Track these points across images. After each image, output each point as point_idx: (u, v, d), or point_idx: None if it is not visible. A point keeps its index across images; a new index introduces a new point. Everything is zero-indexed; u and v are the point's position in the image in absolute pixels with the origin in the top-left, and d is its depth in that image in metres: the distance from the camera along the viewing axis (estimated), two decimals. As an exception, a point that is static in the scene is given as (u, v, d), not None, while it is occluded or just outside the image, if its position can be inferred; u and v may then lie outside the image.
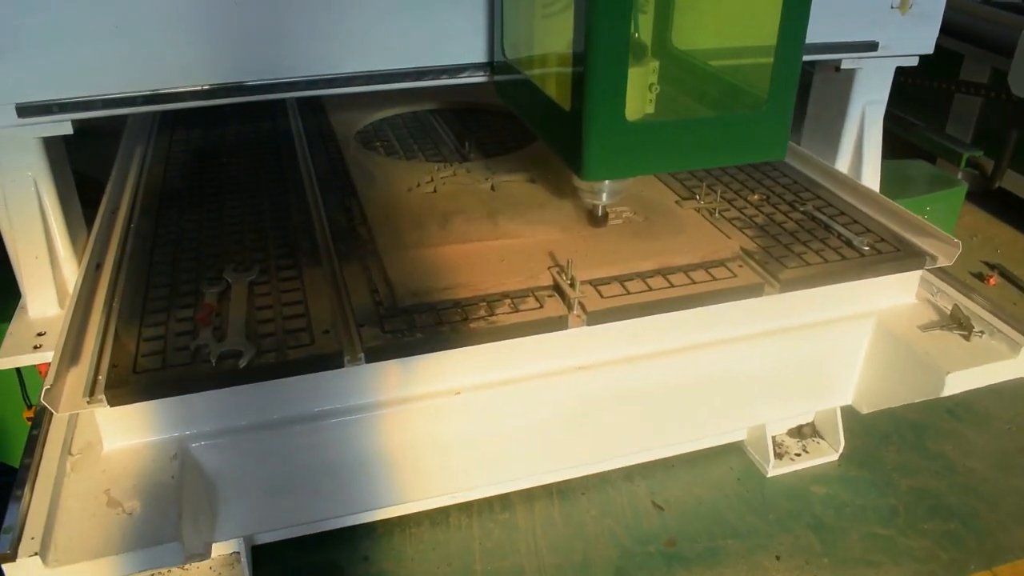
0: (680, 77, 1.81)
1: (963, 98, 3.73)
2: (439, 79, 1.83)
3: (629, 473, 2.02)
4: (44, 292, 1.79)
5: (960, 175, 3.55)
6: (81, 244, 1.86)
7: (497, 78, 1.87)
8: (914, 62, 2.16)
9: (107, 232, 1.85)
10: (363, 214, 1.85)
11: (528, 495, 1.94)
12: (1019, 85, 3.15)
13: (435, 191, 1.96)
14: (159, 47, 1.63)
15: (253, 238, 1.77)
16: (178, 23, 1.62)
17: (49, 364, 1.42)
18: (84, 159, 2.00)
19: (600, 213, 1.80)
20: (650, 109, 1.76)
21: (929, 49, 2.11)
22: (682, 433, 1.85)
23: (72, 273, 1.80)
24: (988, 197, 3.73)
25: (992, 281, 3.26)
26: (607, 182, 1.72)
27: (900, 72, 2.27)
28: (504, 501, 1.93)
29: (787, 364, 1.81)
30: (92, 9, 1.58)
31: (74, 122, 1.68)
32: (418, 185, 1.98)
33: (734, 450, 2.11)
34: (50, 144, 1.73)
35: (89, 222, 1.93)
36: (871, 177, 2.36)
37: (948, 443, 2.20)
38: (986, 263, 3.38)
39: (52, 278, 1.80)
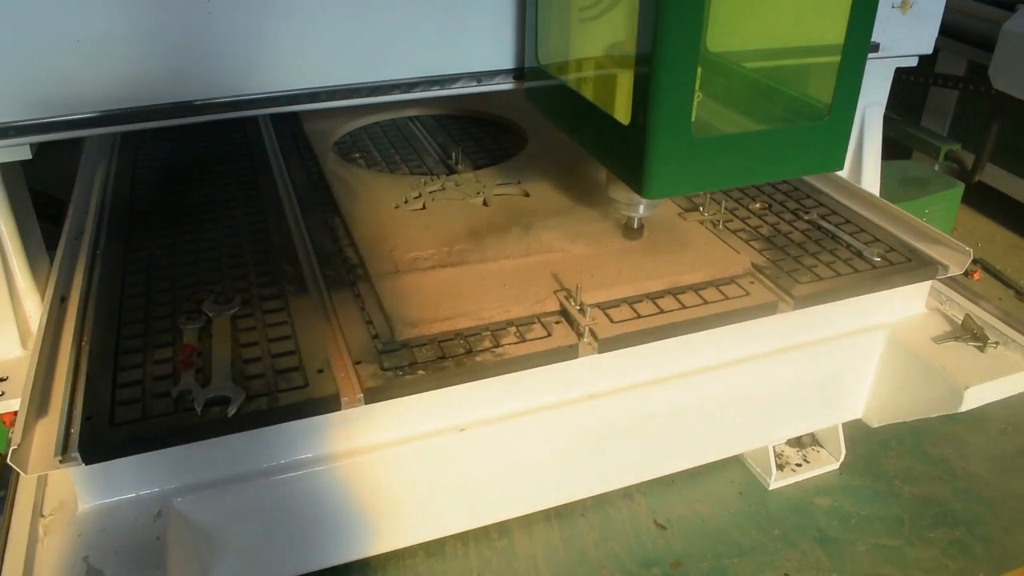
0: (716, 82, 1.71)
1: (938, 91, 3.70)
2: (462, 87, 1.72)
3: (628, 491, 1.96)
4: (4, 331, 1.64)
5: (937, 168, 3.52)
6: (43, 274, 1.72)
7: (529, 85, 1.77)
8: (913, 62, 2.11)
9: (71, 261, 1.73)
10: (349, 234, 1.74)
11: (526, 519, 1.86)
12: (1000, 79, 3.12)
13: (424, 207, 1.86)
14: (124, 63, 1.49)
15: (232, 264, 1.66)
16: (143, 37, 1.48)
17: (13, 413, 1.28)
18: (39, 174, 1.87)
19: (636, 225, 1.73)
20: (692, 116, 1.66)
21: (928, 49, 2.06)
22: (692, 455, 1.80)
23: (35, 308, 1.66)
24: (967, 191, 3.71)
25: (976, 276, 3.23)
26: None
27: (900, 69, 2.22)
28: (501, 527, 1.85)
29: (798, 381, 1.75)
30: (50, 24, 1.44)
31: (33, 145, 1.53)
32: (405, 201, 1.88)
33: (734, 462, 2.06)
34: (7, 170, 1.58)
35: (48, 242, 1.78)
36: (871, 182, 2.31)
37: (947, 447, 2.18)
38: (968, 258, 3.35)
39: (13, 315, 1.65)
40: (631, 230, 1.72)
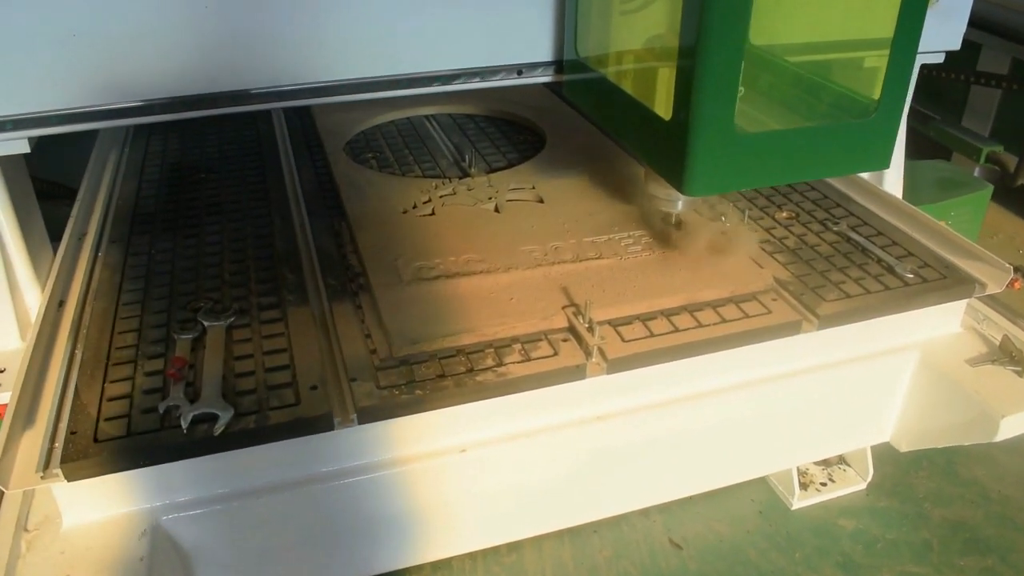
0: (759, 76, 1.68)
1: (980, 90, 3.58)
2: (502, 79, 1.68)
3: (644, 508, 1.90)
4: (3, 323, 1.63)
5: (978, 171, 3.40)
6: (46, 265, 1.70)
7: (568, 78, 1.73)
8: (940, 59, 2.03)
9: (72, 262, 1.71)
10: (354, 241, 1.71)
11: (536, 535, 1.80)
12: (1046, 78, 2.99)
13: (433, 212, 1.82)
14: (123, 55, 1.45)
15: (233, 270, 1.64)
16: (146, 26, 1.44)
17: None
18: (57, 165, 1.86)
19: (675, 221, 1.71)
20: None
21: (956, 44, 1.99)
22: (708, 479, 1.75)
23: (35, 299, 1.65)
24: (1009, 194, 3.58)
25: (1017, 285, 3.11)
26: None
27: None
28: (511, 542, 1.81)
29: (822, 403, 1.69)
30: (47, 14, 1.40)
31: (31, 138, 1.51)
32: (414, 206, 1.84)
33: (755, 480, 2.00)
34: (7, 162, 1.56)
35: (59, 225, 1.77)
36: (894, 184, 2.25)
37: (980, 468, 2.10)
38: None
39: (12, 307, 1.64)
40: (669, 227, 1.70)
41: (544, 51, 1.69)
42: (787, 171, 1.45)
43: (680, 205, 1.67)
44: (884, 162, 1.48)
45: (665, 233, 1.72)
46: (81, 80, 1.47)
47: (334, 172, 2.01)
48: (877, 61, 1.39)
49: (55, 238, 1.82)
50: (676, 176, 1.40)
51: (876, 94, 1.40)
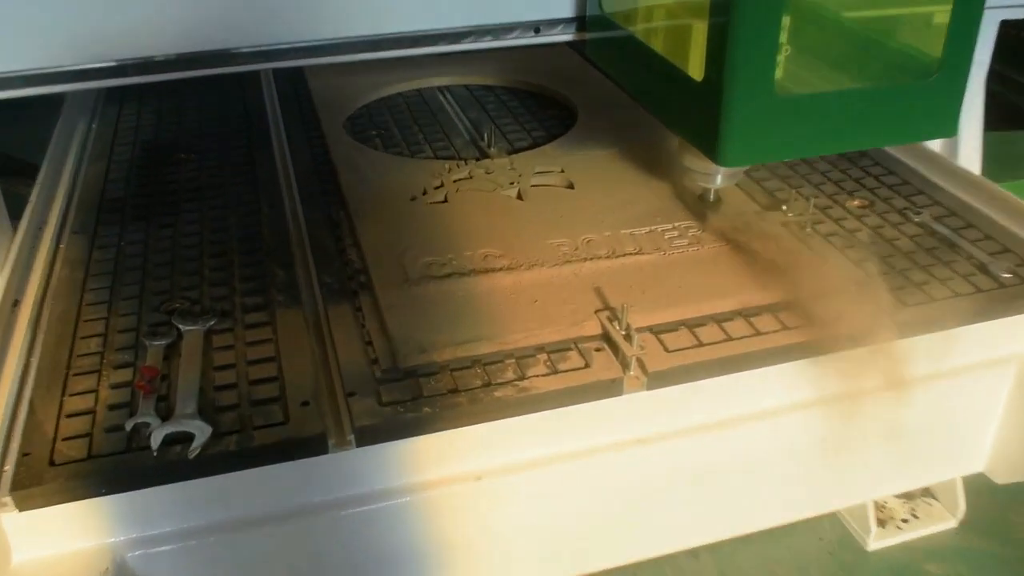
0: (806, 32, 1.70)
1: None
2: (517, 37, 1.70)
3: (693, 548, 1.90)
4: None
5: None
6: (4, 248, 1.71)
7: (590, 36, 1.76)
8: (1022, 14, 2.02)
9: (29, 256, 1.71)
10: (354, 232, 1.71)
11: None
12: None
13: (446, 200, 1.82)
14: (93, 7, 1.45)
15: (214, 266, 1.64)
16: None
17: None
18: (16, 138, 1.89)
19: (712, 198, 1.73)
20: (778, 74, 1.64)
21: None
22: (767, 515, 1.71)
23: None
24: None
25: None
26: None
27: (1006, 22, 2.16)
28: None
29: (902, 426, 1.65)
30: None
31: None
32: (424, 192, 1.83)
33: (824, 515, 2.01)
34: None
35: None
36: (970, 158, 2.24)
37: None
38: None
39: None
40: (705, 203, 1.71)
41: (564, 6, 1.69)
42: (836, 139, 1.47)
43: (719, 180, 1.68)
44: (950, 128, 1.48)
45: (718, 225, 1.71)
46: (44, 36, 1.47)
47: (332, 152, 2.01)
48: (941, 14, 1.40)
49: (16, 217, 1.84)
50: (709, 143, 1.41)
51: (938, 51, 1.40)
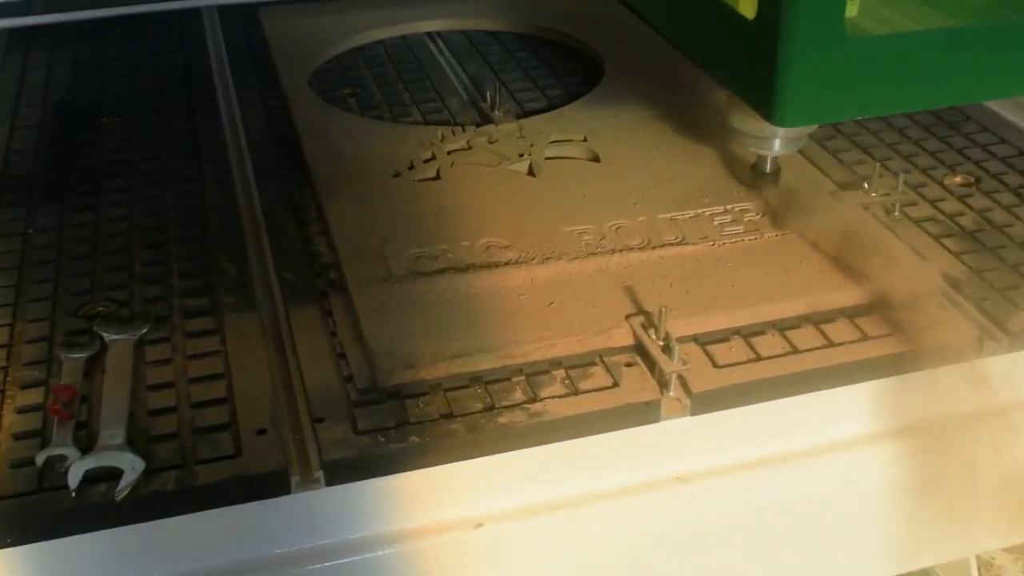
0: None
1: None
2: None
3: None
4: None
5: None
6: None
7: None
8: None
9: None
10: (322, 217, 1.73)
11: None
12: None
13: (438, 176, 1.84)
14: None
15: (146, 259, 1.66)
16: None
17: None
18: None
19: (769, 168, 1.76)
20: (852, 12, 1.65)
21: None
22: (840, 569, 1.73)
23: None
24: None
25: None
26: (781, 127, 1.67)
27: None
28: None
29: (1015, 463, 1.65)
30: None
31: None
32: (411, 167, 1.86)
33: (914, 572, 1.94)
34: None
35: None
36: None
37: None
38: None
39: None
40: (761, 174, 1.74)
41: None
42: (925, 92, 1.48)
43: (777, 145, 1.70)
44: None
45: (777, 203, 1.73)
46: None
47: (294, 115, 2.03)
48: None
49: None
50: (763, 99, 1.42)
51: None
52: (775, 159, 1.76)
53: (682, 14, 1.64)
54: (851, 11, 1.64)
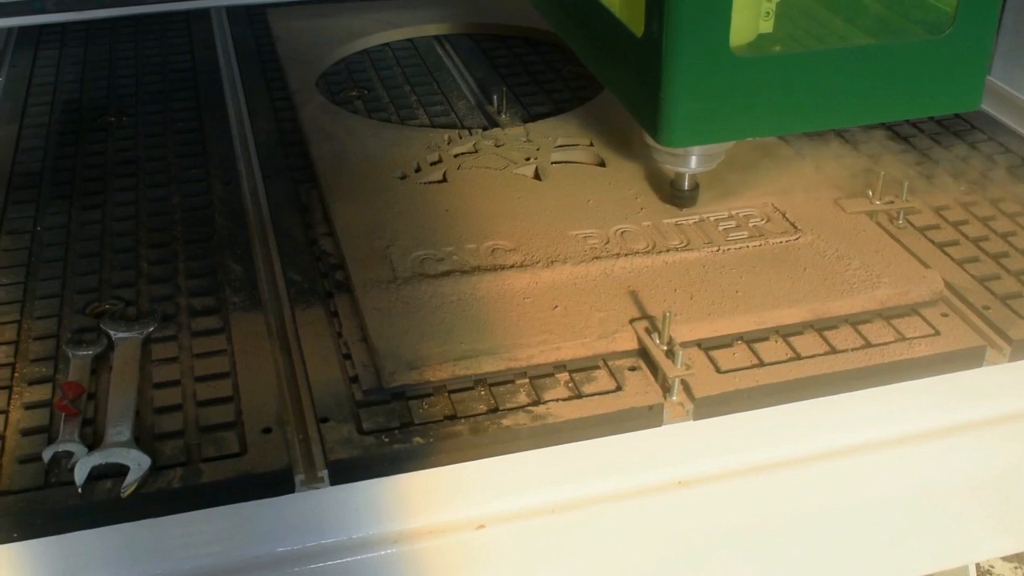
0: None
1: None
2: None
3: None
4: None
5: None
6: None
7: None
8: None
9: None
10: (329, 218, 1.74)
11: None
12: None
13: (444, 179, 1.85)
14: None
15: (154, 258, 1.67)
16: None
17: None
18: None
19: (687, 186, 1.72)
20: (766, 28, 1.66)
21: None
22: None
23: None
24: None
25: None
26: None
27: None
28: None
29: (1013, 469, 1.67)
30: None
31: None
32: (417, 169, 1.87)
33: None
34: None
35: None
36: None
37: None
38: None
39: None
40: (679, 194, 1.73)
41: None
42: (816, 113, 1.48)
43: (694, 163, 1.68)
44: (972, 100, 1.50)
45: (788, 212, 1.73)
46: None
47: (301, 117, 2.04)
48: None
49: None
50: (651, 118, 1.42)
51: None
52: (693, 176, 1.73)
53: (585, 31, 1.63)
54: (766, 27, 1.66)
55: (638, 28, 1.45)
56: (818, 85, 1.47)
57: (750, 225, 1.74)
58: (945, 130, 2.07)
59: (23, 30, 2.31)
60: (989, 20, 1.45)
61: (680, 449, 1.49)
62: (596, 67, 1.69)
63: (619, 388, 1.43)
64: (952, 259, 1.69)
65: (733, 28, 1.35)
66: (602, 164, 1.90)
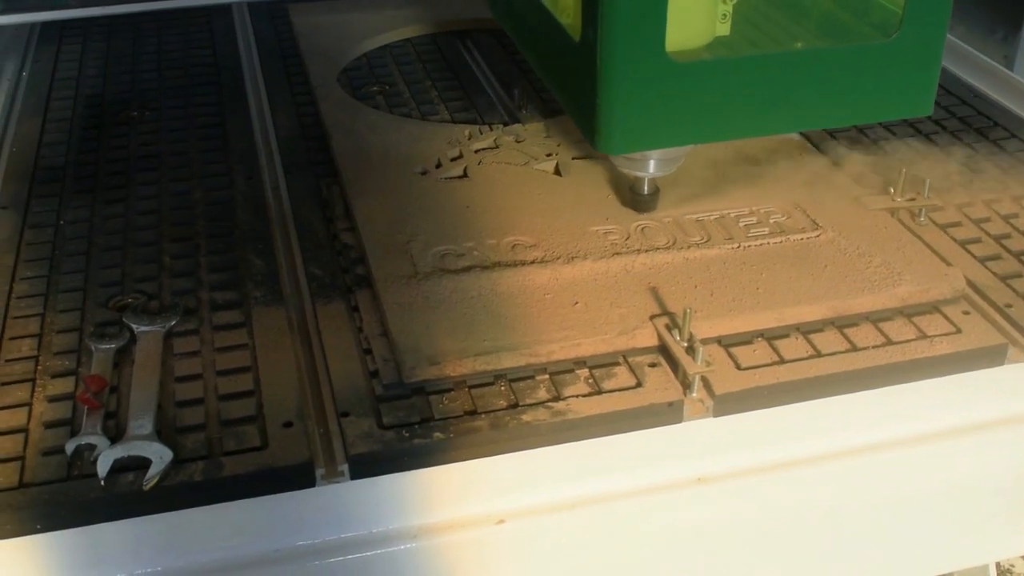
0: None
1: None
2: None
3: None
4: None
5: None
6: None
7: None
8: None
9: None
10: (350, 213, 1.74)
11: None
12: None
13: (465, 174, 1.85)
14: None
15: (176, 252, 1.68)
16: None
17: None
18: None
19: (646, 191, 1.71)
20: (723, 30, 1.64)
21: None
22: None
23: None
24: None
25: None
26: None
27: None
28: None
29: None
30: None
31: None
32: (438, 165, 1.87)
33: None
34: None
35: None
36: None
37: None
38: None
39: None
40: (639, 198, 1.71)
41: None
42: (758, 119, 1.47)
43: (652, 167, 1.67)
44: (921, 103, 1.50)
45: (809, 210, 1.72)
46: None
47: (323, 112, 2.04)
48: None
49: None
50: (589, 124, 1.41)
51: (898, 3, 1.40)
52: (652, 180, 1.72)
53: (532, 36, 1.63)
54: (723, 30, 1.65)
55: (576, 33, 1.45)
56: (761, 90, 1.46)
57: (771, 222, 1.73)
58: (968, 127, 2.06)
59: (46, 25, 2.32)
60: (939, 22, 1.43)
61: (700, 446, 1.49)
62: (543, 73, 1.69)
63: (639, 384, 1.43)
64: (974, 257, 1.69)
65: (689, 31, 1.37)
66: (623, 160, 1.89)
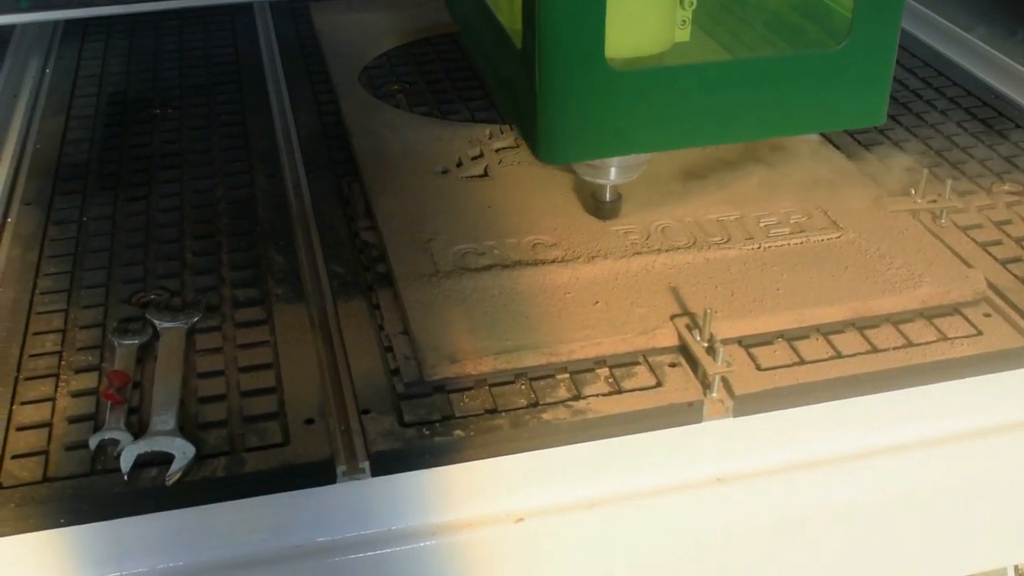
0: None
1: None
2: None
3: None
4: None
5: None
6: None
7: None
8: None
9: None
10: (371, 212, 1.75)
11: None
12: None
13: (486, 173, 1.85)
14: None
15: (198, 249, 1.69)
16: None
17: None
18: None
19: (608, 198, 1.70)
20: (683, 36, 1.64)
21: None
22: None
23: None
24: None
25: None
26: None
27: None
28: None
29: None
30: None
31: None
32: (459, 164, 1.87)
33: None
34: None
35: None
36: None
37: None
38: None
39: None
40: (600, 206, 1.71)
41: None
42: (703, 128, 1.47)
43: (614, 174, 1.66)
44: (874, 112, 1.50)
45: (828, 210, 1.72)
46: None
47: (344, 111, 2.05)
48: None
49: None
50: (530, 132, 1.40)
51: (847, 9, 1.40)
52: (614, 187, 1.71)
53: (482, 39, 1.63)
54: (682, 36, 1.64)
55: (519, 40, 1.45)
56: (705, 99, 1.46)
57: (791, 222, 1.73)
58: (989, 128, 2.06)
59: (69, 23, 2.33)
60: (889, 30, 1.43)
61: (719, 446, 1.49)
62: (494, 81, 1.68)
63: (659, 384, 1.43)
64: (995, 259, 1.69)
65: (645, 38, 1.36)
66: (642, 160, 1.88)
